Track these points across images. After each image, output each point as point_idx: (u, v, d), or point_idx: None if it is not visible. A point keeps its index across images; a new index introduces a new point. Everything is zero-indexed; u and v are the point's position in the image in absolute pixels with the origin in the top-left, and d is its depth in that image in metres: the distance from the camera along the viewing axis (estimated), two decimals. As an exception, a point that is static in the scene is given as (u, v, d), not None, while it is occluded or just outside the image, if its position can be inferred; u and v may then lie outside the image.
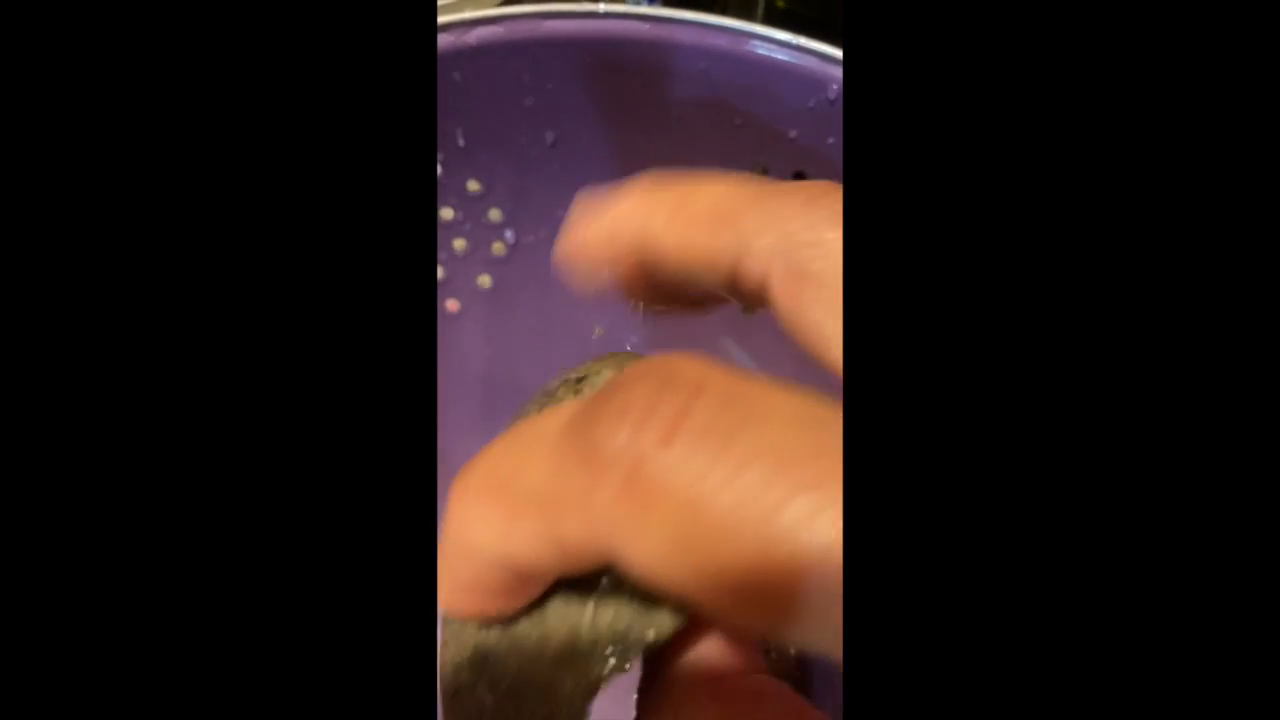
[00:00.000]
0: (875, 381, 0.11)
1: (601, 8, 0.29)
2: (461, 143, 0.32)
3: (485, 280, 0.36)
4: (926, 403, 0.11)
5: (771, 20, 0.39)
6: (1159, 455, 0.11)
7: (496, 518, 0.13)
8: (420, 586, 0.12)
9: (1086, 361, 0.11)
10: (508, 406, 0.18)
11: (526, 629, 0.14)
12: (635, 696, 0.14)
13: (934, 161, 0.12)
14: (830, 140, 0.30)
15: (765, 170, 0.32)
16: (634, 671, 0.13)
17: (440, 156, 0.32)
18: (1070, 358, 0.11)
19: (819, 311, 0.14)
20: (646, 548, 0.11)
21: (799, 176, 0.31)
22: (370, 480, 0.12)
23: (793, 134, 0.30)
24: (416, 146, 0.13)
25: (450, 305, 0.36)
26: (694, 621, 0.13)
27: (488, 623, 0.14)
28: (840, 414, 0.11)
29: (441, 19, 0.28)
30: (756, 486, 0.10)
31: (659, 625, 0.13)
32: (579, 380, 0.17)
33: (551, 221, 0.35)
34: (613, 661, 0.13)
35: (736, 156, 0.32)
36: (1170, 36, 0.11)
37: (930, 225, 0.12)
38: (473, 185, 0.34)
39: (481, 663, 0.14)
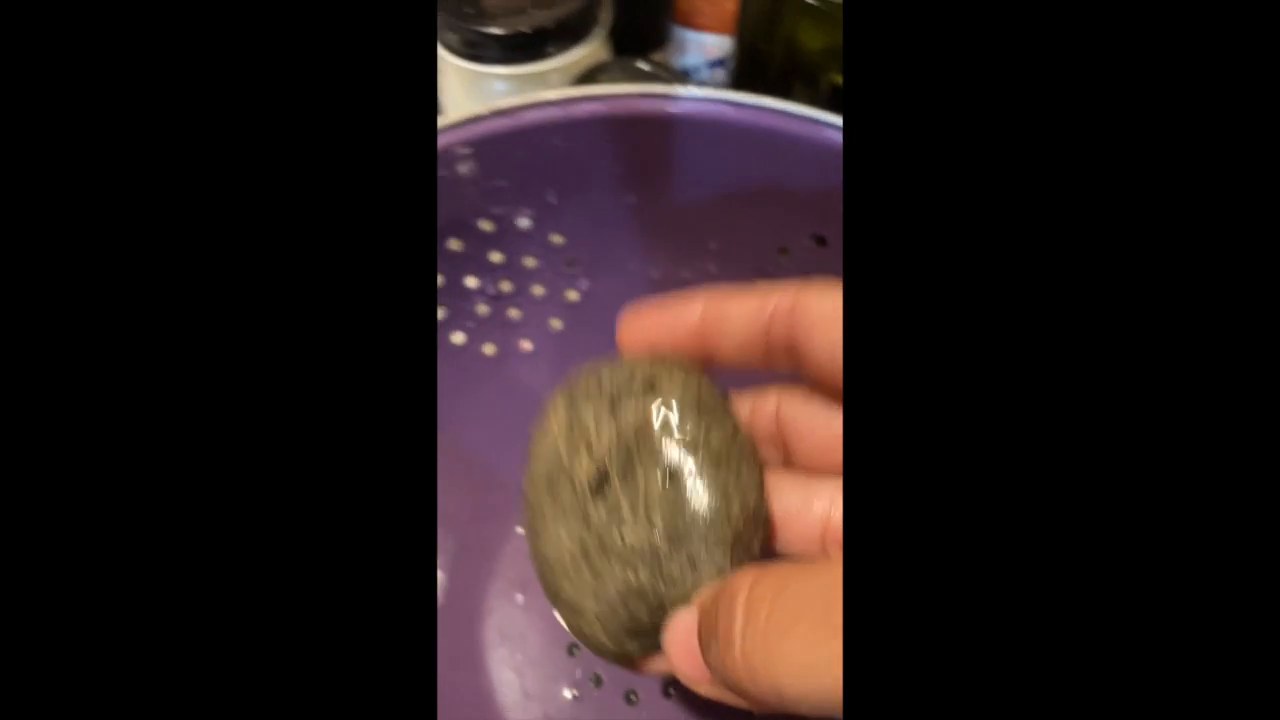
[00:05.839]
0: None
1: (694, 91, 0.33)
2: (553, 200, 0.35)
3: (557, 323, 0.39)
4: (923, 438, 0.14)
5: (834, 97, 0.43)
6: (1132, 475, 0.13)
7: None
8: (421, 611, 0.15)
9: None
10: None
11: None
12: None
13: (929, 224, 0.15)
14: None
15: (823, 241, 0.36)
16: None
17: (531, 211, 0.36)
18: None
19: None
20: None
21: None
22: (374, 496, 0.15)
23: (850, 210, 0.34)
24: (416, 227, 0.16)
25: (524, 345, 0.39)
26: None
27: None
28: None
29: (554, 94, 0.32)
30: None
31: None
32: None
33: (623, 275, 0.39)
34: None
35: (798, 226, 0.36)
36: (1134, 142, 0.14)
37: (920, 284, 0.14)
38: (556, 238, 0.37)
39: None
